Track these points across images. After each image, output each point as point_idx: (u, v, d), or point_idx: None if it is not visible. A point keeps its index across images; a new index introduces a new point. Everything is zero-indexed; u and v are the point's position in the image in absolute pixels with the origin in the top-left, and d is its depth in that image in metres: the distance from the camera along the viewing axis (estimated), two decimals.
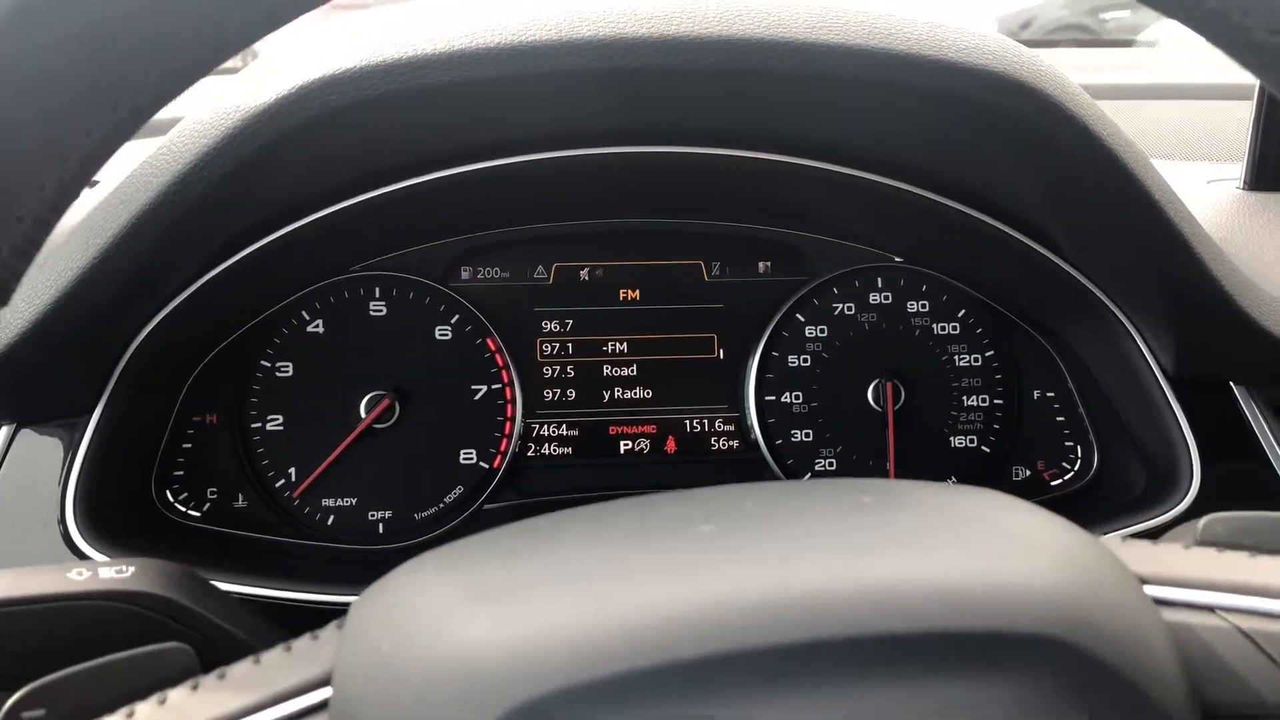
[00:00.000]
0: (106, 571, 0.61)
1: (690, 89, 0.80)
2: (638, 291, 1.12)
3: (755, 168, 0.96)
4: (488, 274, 1.10)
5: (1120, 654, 0.42)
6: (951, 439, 1.10)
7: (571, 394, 1.11)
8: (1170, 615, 0.48)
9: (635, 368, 1.12)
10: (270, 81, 0.78)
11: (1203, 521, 0.57)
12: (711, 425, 1.12)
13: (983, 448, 1.10)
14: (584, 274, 1.12)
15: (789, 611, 0.41)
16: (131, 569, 0.62)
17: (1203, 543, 0.56)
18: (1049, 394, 1.11)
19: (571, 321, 1.11)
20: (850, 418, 1.10)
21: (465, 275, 1.10)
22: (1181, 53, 2.02)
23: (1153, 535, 0.99)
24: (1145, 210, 0.85)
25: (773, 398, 1.10)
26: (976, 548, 0.46)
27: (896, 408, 1.09)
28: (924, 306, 1.11)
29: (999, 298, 1.10)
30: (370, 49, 0.76)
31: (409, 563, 0.49)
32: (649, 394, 1.11)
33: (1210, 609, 0.49)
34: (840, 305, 1.11)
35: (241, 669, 0.47)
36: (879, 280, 1.11)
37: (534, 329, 1.10)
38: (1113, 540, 0.53)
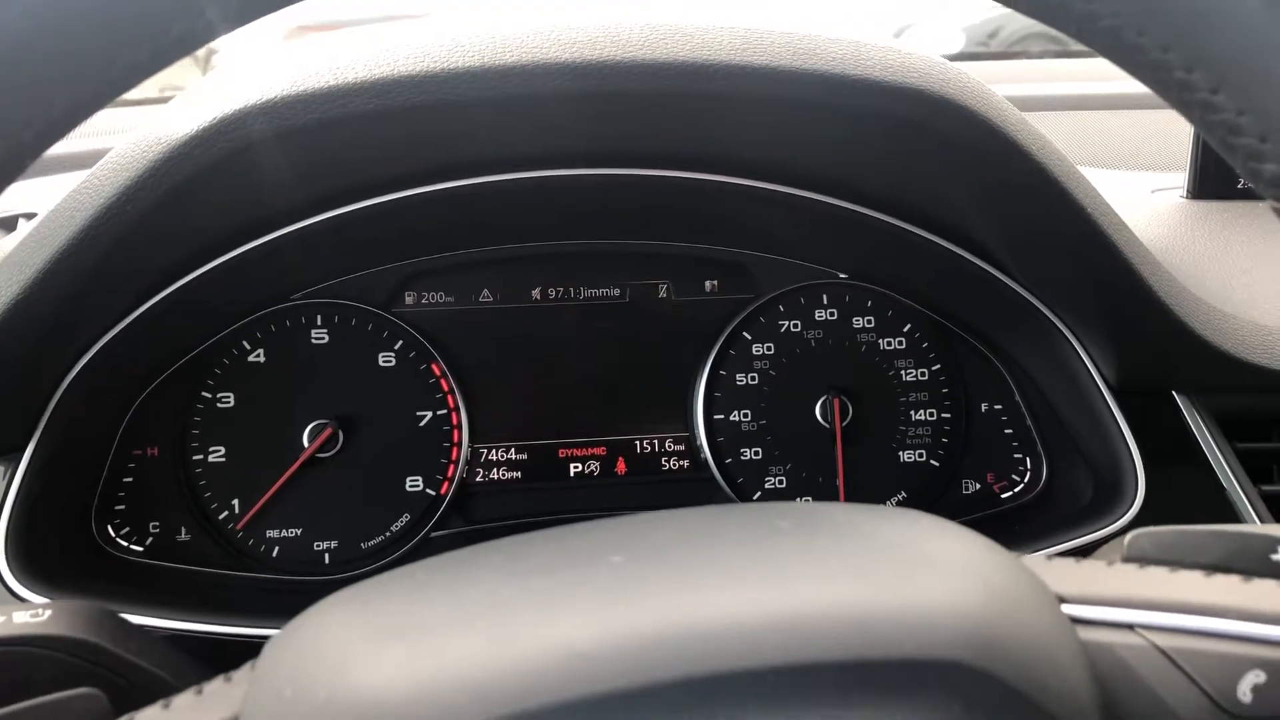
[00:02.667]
0: (21, 616, 0.60)
1: (620, 112, 0.80)
2: (584, 313, 1.11)
3: (696, 188, 0.96)
4: (432, 298, 1.09)
5: (1028, 677, 0.42)
6: (900, 454, 1.10)
7: (519, 418, 1.10)
8: (1088, 634, 0.48)
9: (583, 389, 1.11)
10: (192, 111, 0.77)
11: (1129, 537, 0.57)
12: (661, 446, 1.11)
13: (932, 462, 1.10)
14: (531, 296, 1.11)
15: (693, 645, 0.41)
16: (49, 612, 0.60)
17: (1129, 559, 0.56)
18: (996, 407, 1.11)
19: (518, 345, 1.10)
20: (799, 435, 1.10)
21: (409, 300, 1.09)
22: None
23: (1099, 546, 0.99)
24: (1076, 222, 0.85)
25: (721, 417, 1.10)
26: (887, 574, 0.46)
27: (844, 424, 1.09)
28: (870, 322, 1.11)
29: (944, 312, 1.10)
30: (291, 78, 0.75)
31: (319, 603, 0.48)
32: (598, 416, 1.11)
33: (1129, 627, 0.49)
34: (786, 322, 1.11)
35: (149, 714, 0.46)
36: (824, 297, 1.11)
37: (480, 353, 1.09)
38: (1036, 560, 0.53)
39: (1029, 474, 1.11)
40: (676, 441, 1.11)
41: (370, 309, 1.07)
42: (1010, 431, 1.11)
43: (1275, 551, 0.56)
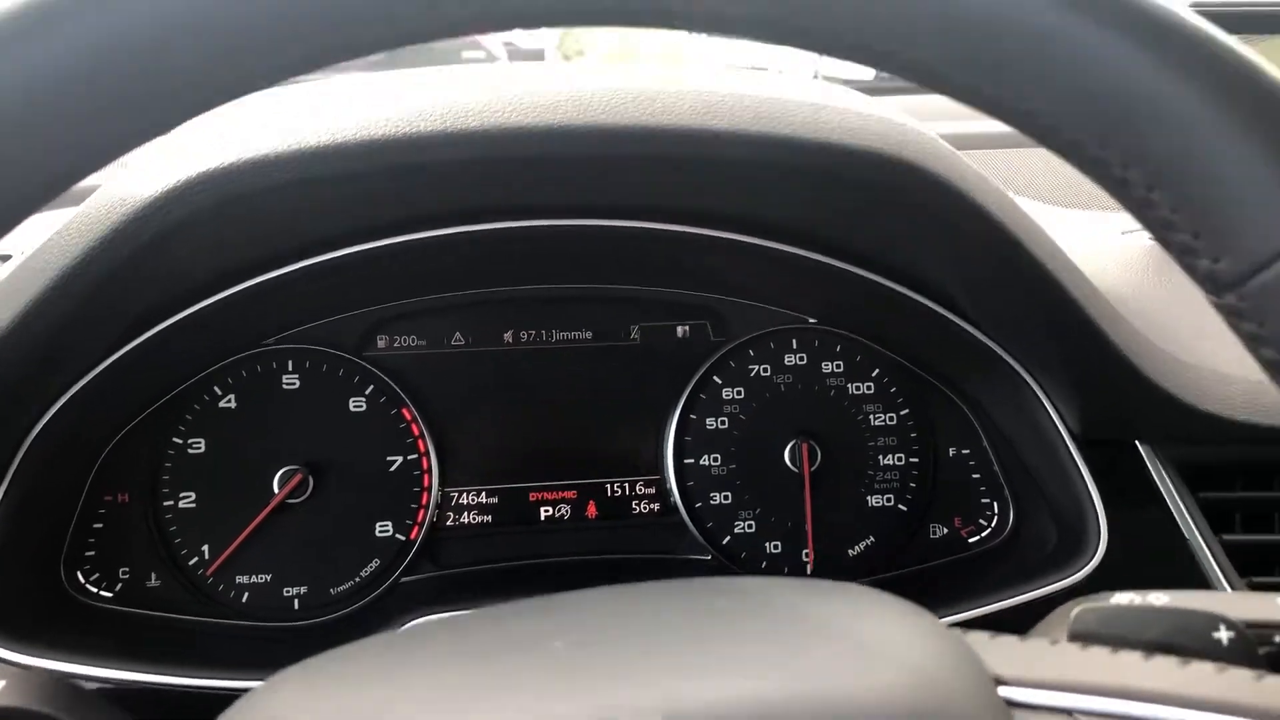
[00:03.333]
0: None
1: (584, 171, 0.81)
2: (557, 356, 1.12)
3: (663, 237, 0.97)
4: (404, 342, 1.10)
5: None
6: (869, 498, 1.11)
7: (490, 461, 1.10)
8: (1024, 718, 0.48)
9: (554, 432, 1.12)
10: (158, 173, 0.78)
11: (1074, 612, 0.58)
12: (632, 489, 1.12)
13: (900, 506, 1.11)
14: (503, 339, 1.12)
15: None
16: (2, 682, 0.61)
17: (1073, 635, 0.57)
18: (964, 452, 1.12)
19: (490, 388, 1.11)
20: (768, 479, 1.10)
21: (381, 344, 1.10)
22: None
23: (1062, 596, 1.00)
24: (1035, 278, 0.86)
25: (691, 460, 1.11)
26: (817, 659, 0.47)
27: (813, 468, 1.09)
28: (839, 367, 1.12)
29: (912, 358, 1.11)
30: (245, 145, 0.76)
31: (268, 681, 0.49)
32: (569, 459, 1.11)
33: (1067, 712, 0.49)
34: (756, 367, 1.12)
35: None
36: (794, 342, 1.12)
37: (451, 397, 1.10)
38: (979, 638, 0.54)
39: (996, 519, 1.12)
40: (647, 485, 1.12)
41: (341, 354, 1.07)
42: (978, 477, 1.12)
43: (1217, 630, 0.57)
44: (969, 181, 0.82)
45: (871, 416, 1.12)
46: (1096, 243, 1.13)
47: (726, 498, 1.10)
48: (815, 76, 1.58)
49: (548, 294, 1.12)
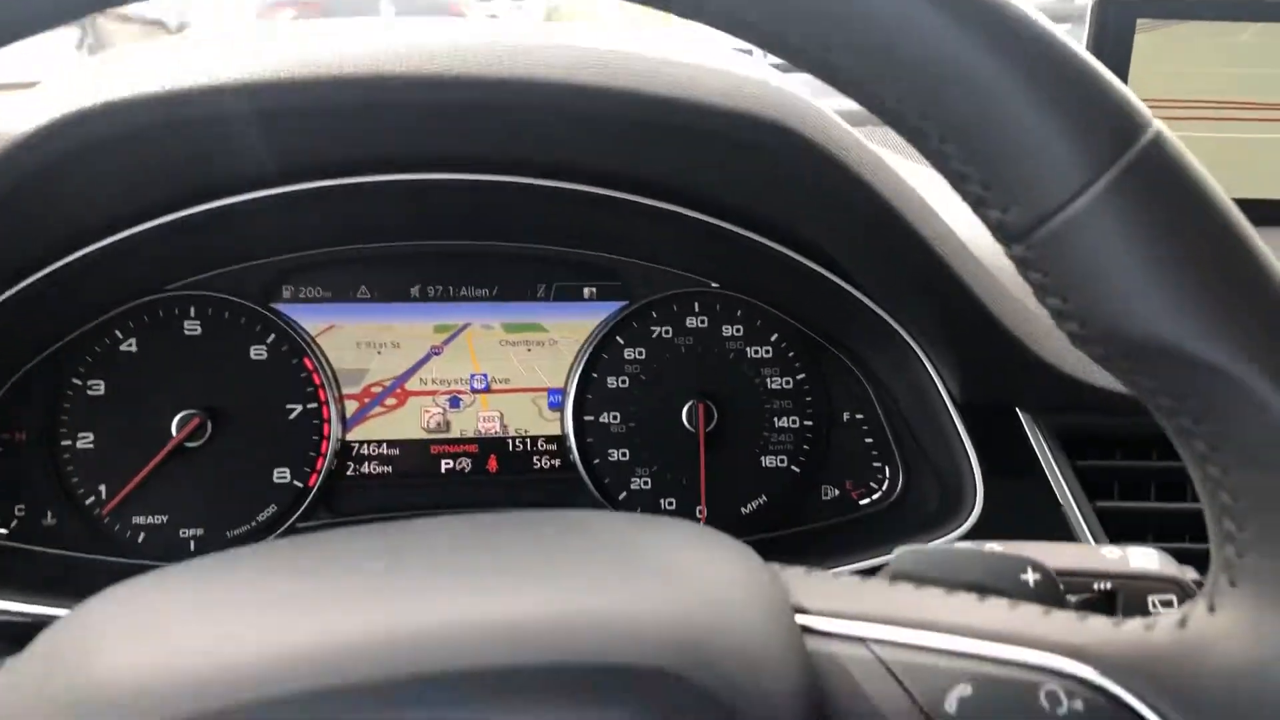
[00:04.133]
0: None
1: (466, 121, 0.82)
2: (463, 312, 1.13)
3: (563, 196, 0.98)
4: (309, 293, 1.11)
5: (729, 683, 0.45)
6: (763, 459, 1.13)
7: (392, 412, 1.12)
8: (816, 644, 0.51)
9: (458, 387, 1.13)
10: (40, 108, 0.78)
11: (895, 554, 0.60)
12: (533, 445, 1.14)
13: (793, 468, 1.14)
14: (409, 294, 1.13)
15: (388, 648, 0.43)
16: None
17: (895, 575, 0.59)
18: (858, 417, 1.15)
19: (394, 342, 1.12)
20: (665, 438, 1.12)
21: (286, 294, 1.10)
22: None
23: None
24: (909, 243, 0.88)
25: (591, 418, 1.13)
26: (614, 580, 0.49)
27: (709, 429, 1.11)
28: (739, 331, 1.14)
29: (809, 323, 1.14)
30: (140, 80, 0.76)
31: (97, 595, 0.50)
32: (471, 414, 1.13)
33: (860, 640, 0.52)
34: (658, 329, 1.13)
35: None
36: (696, 305, 1.14)
37: (354, 349, 1.11)
38: (795, 573, 0.56)
39: (886, 483, 1.14)
40: (548, 441, 1.14)
41: (244, 302, 1.08)
42: (870, 442, 1.14)
43: (1024, 572, 0.60)
44: (844, 146, 0.84)
45: (768, 380, 1.14)
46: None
47: (624, 455, 1.12)
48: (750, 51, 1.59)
49: (455, 250, 1.13)
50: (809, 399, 1.14)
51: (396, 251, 1.13)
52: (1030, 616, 0.53)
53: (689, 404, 1.12)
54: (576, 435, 1.12)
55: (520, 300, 1.14)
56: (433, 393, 1.13)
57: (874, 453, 1.15)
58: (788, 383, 1.14)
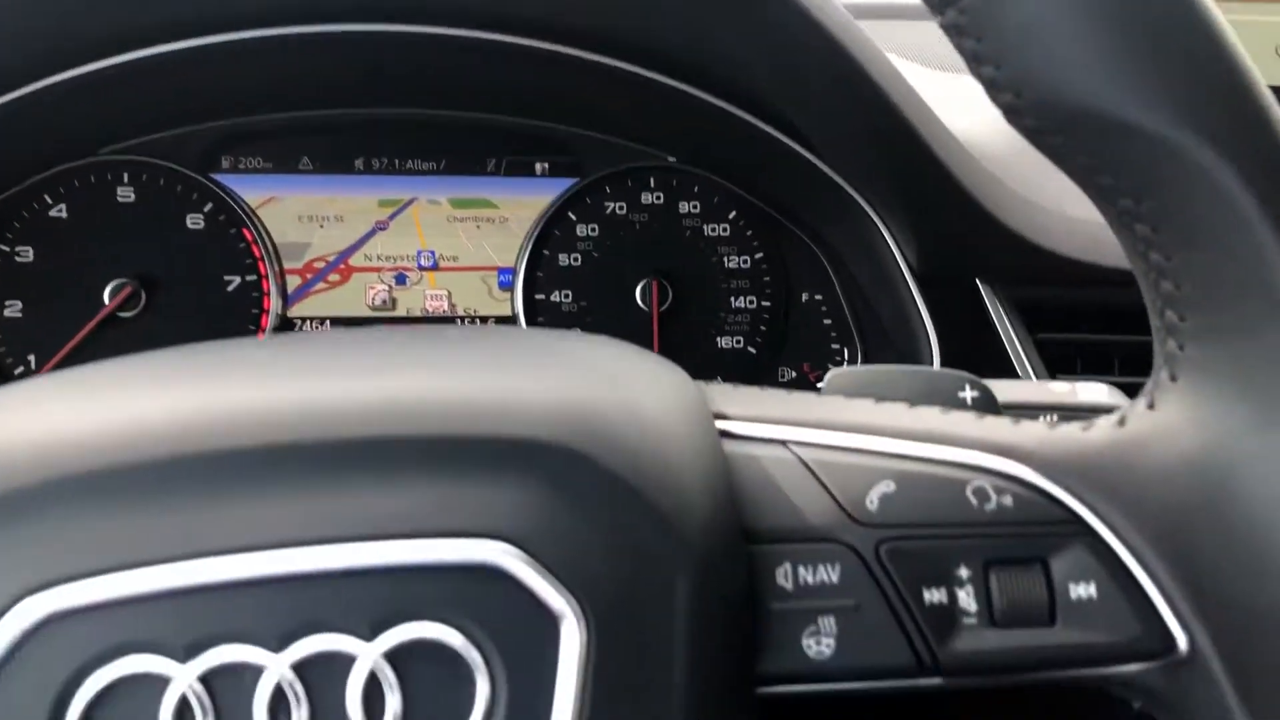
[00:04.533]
0: None
1: None
2: (409, 186, 1.09)
3: (508, 51, 0.94)
4: (249, 164, 1.07)
5: (633, 466, 0.42)
6: (719, 340, 1.10)
7: (335, 288, 1.08)
8: (735, 446, 0.48)
9: (405, 264, 1.09)
10: None
11: (828, 375, 0.57)
12: (482, 324, 1.10)
13: (749, 349, 1.10)
14: (353, 166, 1.09)
15: (265, 416, 0.40)
16: None
17: (831, 395, 0.56)
18: (817, 297, 1.11)
19: (338, 215, 1.08)
20: (619, 318, 1.09)
21: (225, 164, 1.06)
22: None
23: None
24: (873, 100, 0.84)
25: (542, 296, 1.09)
26: (528, 365, 0.46)
27: (664, 308, 1.08)
28: (695, 207, 1.10)
29: (768, 199, 1.10)
30: None
31: None
32: (419, 291, 1.09)
33: (782, 442, 0.49)
34: (612, 205, 1.10)
35: None
36: (651, 180, 1.10)
37: (296, 222, 1.07)
38: (721, 387, 0.53)
39: (845, 364, 1.11)
40: (500, 321, 1.10)
41: (181, 169, 1.04)
42: (829, 323, 1.11)
43: (962, 390, 0.57)
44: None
45: (725, 258, 1.10)
46: (962, 95, 1.11)
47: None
48: None
49: (401, 119, 1.09)
50: (767, 278, 1.11)
51: (340, 121, 1.08)
52: (962, 420, 0.50)
53: (643, 282, 1.08)
54: (527, 315, 1.08)
55: (469, 174, 1.10)
56: (378, 269, 1.09)
57: (833, 334, 1.11)
58: (745, 261, 1.10)
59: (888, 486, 0.47)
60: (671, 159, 1.10)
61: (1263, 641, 0.42)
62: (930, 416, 0.50)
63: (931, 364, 0.96)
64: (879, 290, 1.03)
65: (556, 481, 0.41)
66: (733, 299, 1.10)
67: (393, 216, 1.10)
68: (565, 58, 0.95)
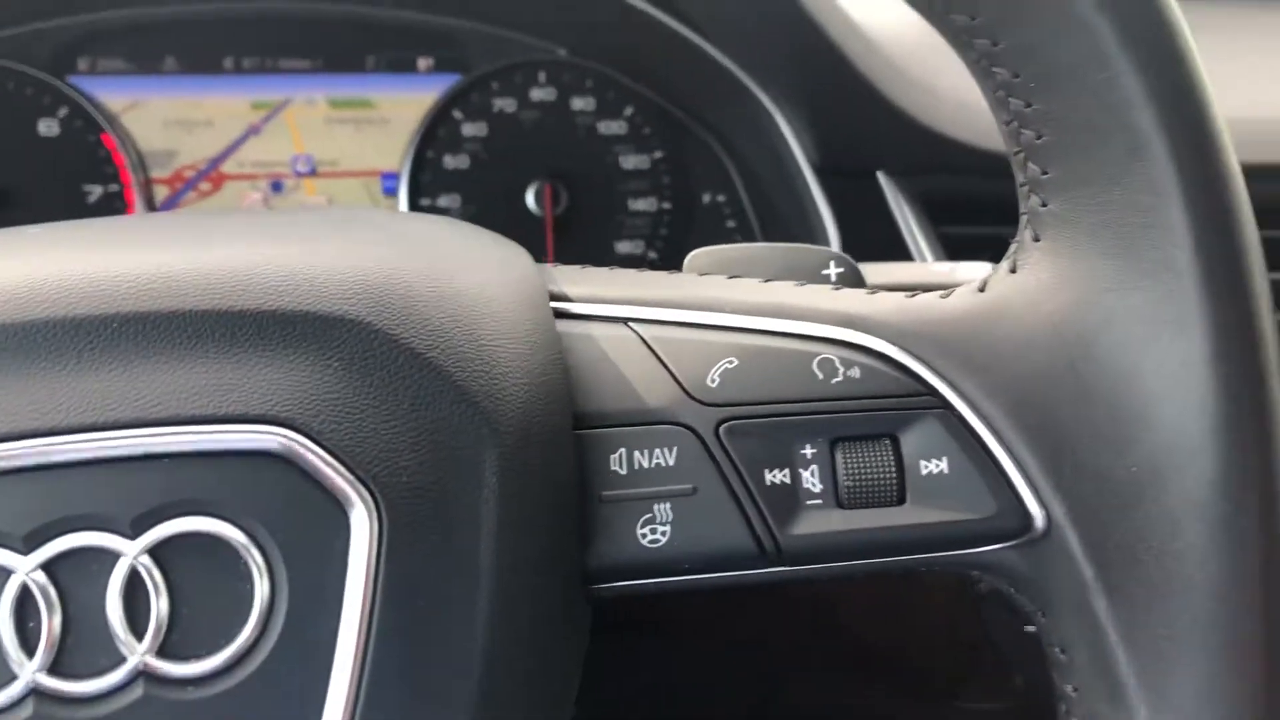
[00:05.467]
0: None
1: None
2: (283, 86, 1.03)
3: None
4: (109, 65, 0.99)
5: (442, 346, 0.38)
6: (617, 244, 1.05)
7: (207, 198, 1.02)
8: (571, 326, 0.44)
9: (280, 170, 1.03)
10: None
11: (689, 256, 0.53)
12: None
13: (650, 253, 1.06)
14: (221, 65, 1.02)
15: (13, 290, 0.36)
16: None
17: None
18: (720, 199, 1.07)
19: (207, 119, 1.01)
20: (511, 223, 1.03)
21: (83, 66, 0.99)
22: None
23: None
24: None
25: (429, 200, 1.03)
26: (325, 241, 0.41)
27: (558, 211, 1.03)
28: (589, 105, 1.05)
29: (667, 95, 1.04)
30: None
31: None
32: (297, 199, 1.03)
33: (623, 321, 0.45)
34: (500, 102, 1.04)
35: None
36: (542, 75, 1.04)
37: (162, 128, 1.00)
38: (569, 270, 0.48)
39: None
40: None
41: (33, 72, 0.96)
42: (733, 225, 1.07)
43: (826, 266, 0.53)
44: None
45: (622, 158, 1.05)
46: None
47: None
48: None
49: (273, 13, 1.02)
50: (667, 179, 1.06)
51: (207, 16, 1.01)
52: (815, 294, 0.46)
53: (535, 185, 1.03)
54: None
55: (347, 72, 1.03)
56: (251, 176, 1.03)
57: (737, 236, 1.07)
58: (643, 162, 1.05)
59: (730, 363, 0.43)
60: (564, 52, 1.04)
61: (1120, 514, 0.39)
62: (783, 291, 0.47)
63: None
64: (780, 187, 0.99)
65: (347, 360, 0.37)
66: (631, 201, 1.05)
67: (266, 119, 1.03)
68: None
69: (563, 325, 0.43)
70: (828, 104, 0.89)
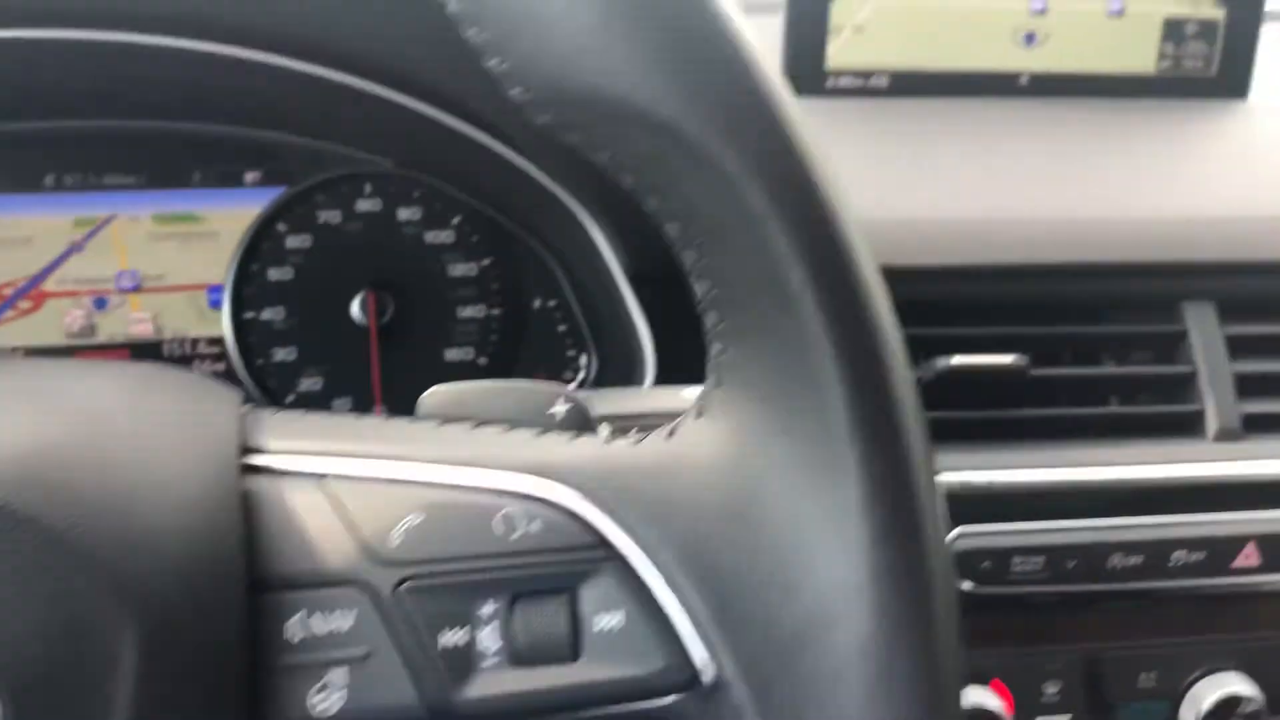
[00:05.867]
0: None
1: None
2: (107, 203, 1.02)
3: (211, 60, 0.88)
4: None
5: (79, 523, 0.37)
6: (446, 351, 1.05)
7: (26, 316, 1.00)
8: (262, 485, 0.43)
9: (103, 286, 1.02)
10: None
11: (424, 396, 0.53)
12: (193, 348, 1.03)
13: (480, 360, 1.06)
14: (43, 184, 1.01)
15: None
16: None
17: (424, 416, 0.52)
18: (550, 303, 1.08)
19: (26, 237, 1.00)
20: (336, 334, 1.03)
21: None
22: None
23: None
24: None
25: (252, 314, 1.03)
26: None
27: (384, 321, 1.03)
28: (416, 214, 1.05)
29: (494, 204, 1.06)
30: None
31: None
32: (121, 315, 1.02)
33: (320, 476, 0.45)
34: (325, 213, 1.04)
35: None
36: (367, 187, 1.05)
37: None
38: (272, 413, 0.48)
39: (582, 371, 1.08)
40: (211, 344, 1.03)
41: None
42: (564, 329, 1.08)
43: (554, 405, 0.53)
44: None
45: (450, 266, 1.06)
46: None
47: (291, 354, 1.03)
48: None
49: (96, 131, 1.01)
50: (495, 285, 1.06)
51: (26, 134, 1.00)
52: (517, 441, 0.47)
53: (361, 295, 1.03)
54: (236, 335, 1.02)
55: (173, 187, 1.03)
56: (73, 293, 1.01)
57: (568, 340, 1.08)
58: (472, 269, 1.06)
59: (415, 519, 0.43)
60: (390, 164, 1.05)
61: (785, 667, 0.40)
62: (486, 438, 0.47)
63: (645, 369, 0.94)
64: (602, 294, 1.00)
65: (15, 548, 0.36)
66: (459, 308, 1.06)
67: (89, 236, 1.02)
68: (267, 65, 0.89)
69: (252, 482, 0.43)
70: (633, 214, 0.91)
